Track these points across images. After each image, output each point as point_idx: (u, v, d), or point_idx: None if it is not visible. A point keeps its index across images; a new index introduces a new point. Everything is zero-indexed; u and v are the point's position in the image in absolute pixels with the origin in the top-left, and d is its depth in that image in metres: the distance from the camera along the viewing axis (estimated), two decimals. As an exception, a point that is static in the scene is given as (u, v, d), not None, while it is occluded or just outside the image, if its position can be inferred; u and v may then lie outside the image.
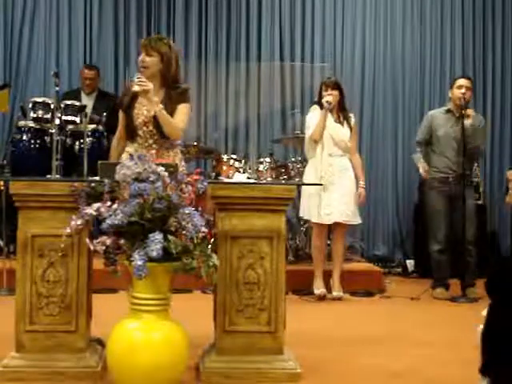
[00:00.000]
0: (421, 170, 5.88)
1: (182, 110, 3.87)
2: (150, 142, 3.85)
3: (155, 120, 3.80)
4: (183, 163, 4.00)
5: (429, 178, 5.84)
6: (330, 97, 5.48)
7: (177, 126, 3.83)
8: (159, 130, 3.81)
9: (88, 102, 6.74)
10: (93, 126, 6.28)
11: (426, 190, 5.96)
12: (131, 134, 3.88)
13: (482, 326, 2.61)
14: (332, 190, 5.43)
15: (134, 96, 3.85)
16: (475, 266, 5.74)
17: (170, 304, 3.07)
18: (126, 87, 4.14)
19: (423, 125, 6.00)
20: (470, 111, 5.75)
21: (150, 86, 3.73)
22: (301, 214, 5.75)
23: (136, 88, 3.72)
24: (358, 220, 5.69)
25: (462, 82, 5.79)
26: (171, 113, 3.82)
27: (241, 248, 3.36)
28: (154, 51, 3.83)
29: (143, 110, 3.83)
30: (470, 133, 5.65)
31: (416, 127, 7.46)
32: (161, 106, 3.76)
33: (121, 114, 3.97)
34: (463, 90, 5.70)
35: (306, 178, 5.61)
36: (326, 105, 5.47)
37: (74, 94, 6.72)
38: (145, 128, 3.83)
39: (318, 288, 5.54)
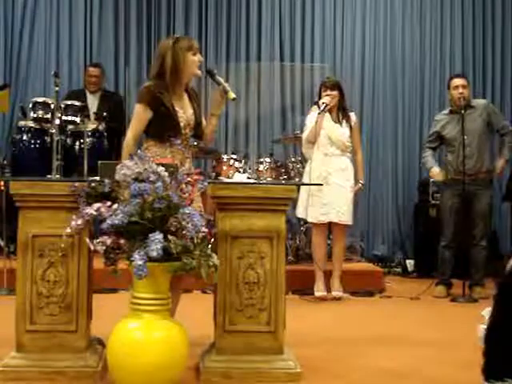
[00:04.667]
0: (432, 172, 5.95)
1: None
2: (185, 143, 3.70)
3: (194, 123, 3.72)
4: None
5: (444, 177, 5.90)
6: (326, 98, 5.47)
7: None
8: (191, 133, 3.74)
9: (93, 101, 6.75)
10: (93, 126, 6.29)
11: (442, 188, 6.00)
12: (168, 137, 3.61)
13: (482, 326, 2.62)
14: (328, 189, 5.43)
15: (170, 98, 3.63)
16: (484, 264, 5.76)
17: (170, 304, 3.08)
18: (152, 85, 3.66)
19: (431, 130, 6.07)
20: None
21: None
22: (299, 215, 5.75)
23: (235, 95, 3.72)
24: (351, 221, 5.63)
25: (457, 81, 5.81)
26: (200, 115, 3.81)
27: (241, 248, 3.36)
28: None
29: (182, 113, 3.66)
30: (498, 121, 5.88)
31: (416, 127, 7.51)
32: None
33: (147, 112, 3.62)
34: (460, 90, 5.73)
35: (305, 179, 5.61)
36: (321, 106, 5.46)
37: (79, 94, 6.71)
38: (182, 131, 3.66)
39: (319, 290, 5.54)
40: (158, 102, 3.60)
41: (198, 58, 3.70)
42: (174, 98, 3.66)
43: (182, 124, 3.65)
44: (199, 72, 3.73)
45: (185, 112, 3.68)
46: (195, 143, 6.53)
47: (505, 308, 1.85)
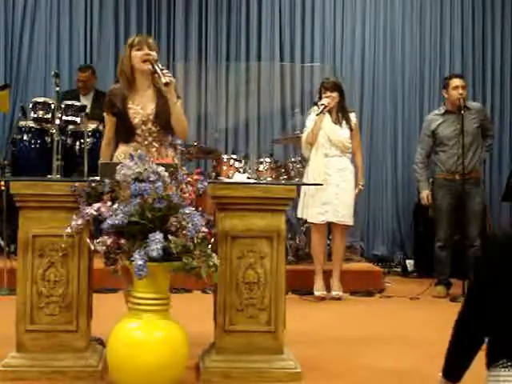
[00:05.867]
0: (423, 197, 5.96)
1: (180, 106, 3.84)
2: (150, 139, 3.79)
3: (156, 117, 3.76)
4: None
5: (437, 176, 5.88)
6: (326, 99, 5.47)
7: (186, 122, 3.87)
8: (158, 128, 3.78)
9: (85, 102, 6.73)
10: (93, 126, 6.28)
11: (434, 188, 5.98)
12: (127, 135, 3.80)
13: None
14: (328, 190, 5.43)
15: (124, 97, 3.79)
16: None
17: (169, 304, 3.08)
18: (110, 90, 3.95)
19: (424, 137, 5.92)
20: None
21: (173, 78, 3.74)
22: (298, 215, 5.75)
23: (167, 79, 3.64)
24: (351, 221, 5.62)
25: (457, 82, 5.77)
26: (169, 108, 3.79)
27: (241, 248, 3.37)
28: (154, 48, 3.80)
29: (138, 110, 3.77)
30: (488, 124, 5.94)
31: (416, 127, 7.50)
32: (180, 100, 3.81)
33: (109, 117, 3.89)
34: (460, 91, 5.71)
35: (306, 178, 5.61)
36: (320, 107, 5.46)
37: (73, 94, 6.70)
38: (143, 127, 3.77)
39: (319, 290, 5.54)
40: (112, 105, 3.85)
41: (142, 52, 3.75)
42: (133, 96, 3.80)
43: (136, 120, 3.77)
44: (145, 67, 3.75)
45: (143, 107, 3.78)
46: (195, 143, 6.59)
47: (470, 302, 1.86)
